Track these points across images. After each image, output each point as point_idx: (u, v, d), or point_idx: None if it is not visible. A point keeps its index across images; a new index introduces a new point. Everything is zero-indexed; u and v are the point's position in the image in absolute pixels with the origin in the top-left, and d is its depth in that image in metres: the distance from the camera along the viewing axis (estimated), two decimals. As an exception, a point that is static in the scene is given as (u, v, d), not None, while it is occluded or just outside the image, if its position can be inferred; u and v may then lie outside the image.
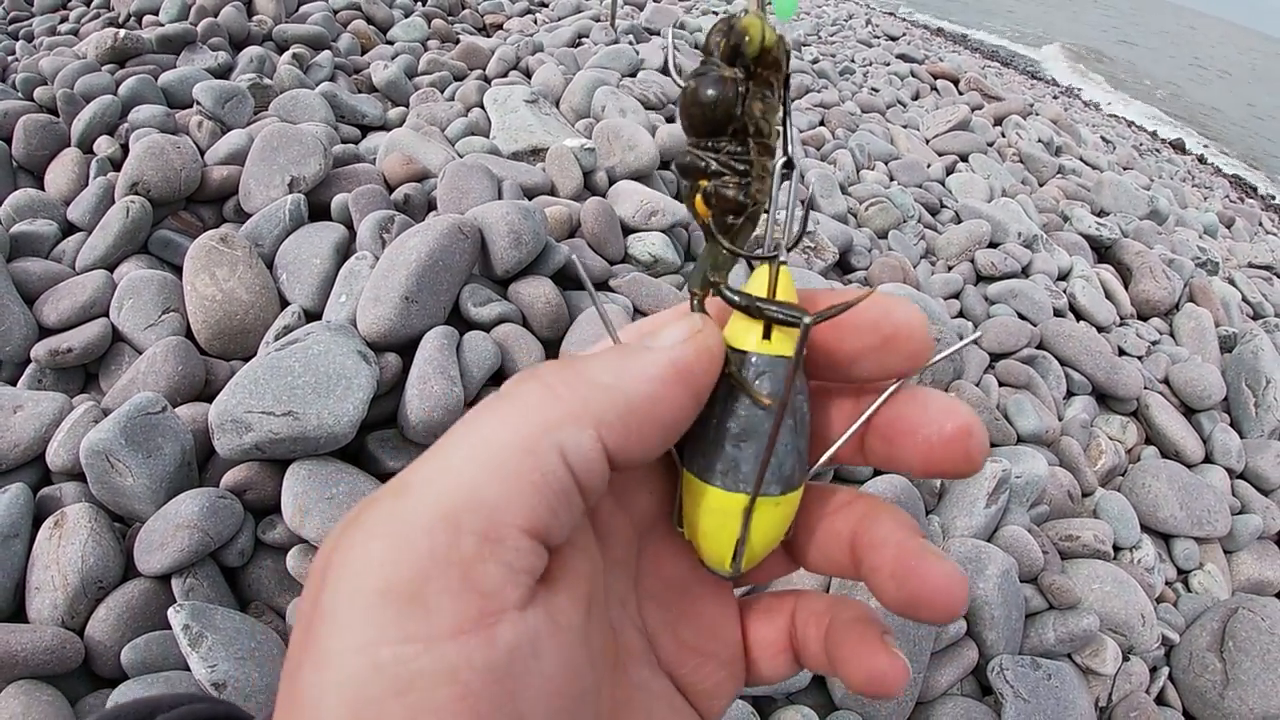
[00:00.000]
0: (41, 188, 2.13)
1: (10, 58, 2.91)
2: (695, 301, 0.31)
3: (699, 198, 0.29)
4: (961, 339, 0.35)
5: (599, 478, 0.25)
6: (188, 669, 1.16)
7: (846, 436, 0.30)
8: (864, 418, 0.30)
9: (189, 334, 1.70)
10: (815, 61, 4.69)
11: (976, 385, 2.13)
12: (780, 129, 0.30)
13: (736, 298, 0.30)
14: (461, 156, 2.26)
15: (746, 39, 0.27)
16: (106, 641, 1.22)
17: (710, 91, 0.28)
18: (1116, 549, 1.96)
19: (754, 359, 0.29)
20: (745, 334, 0.30)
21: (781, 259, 0.30)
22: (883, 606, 0.29)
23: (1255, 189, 8.35)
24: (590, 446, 0.25)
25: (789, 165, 0.30)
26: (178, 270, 1.79)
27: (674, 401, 0.27)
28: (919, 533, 0.29)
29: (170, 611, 1.19)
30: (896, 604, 0.28)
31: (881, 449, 0.30)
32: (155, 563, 1.27)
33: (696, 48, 4.14)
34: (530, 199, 2.08)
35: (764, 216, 0.31)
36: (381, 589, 0.21)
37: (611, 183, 2.38)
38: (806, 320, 0.28)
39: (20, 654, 1.14)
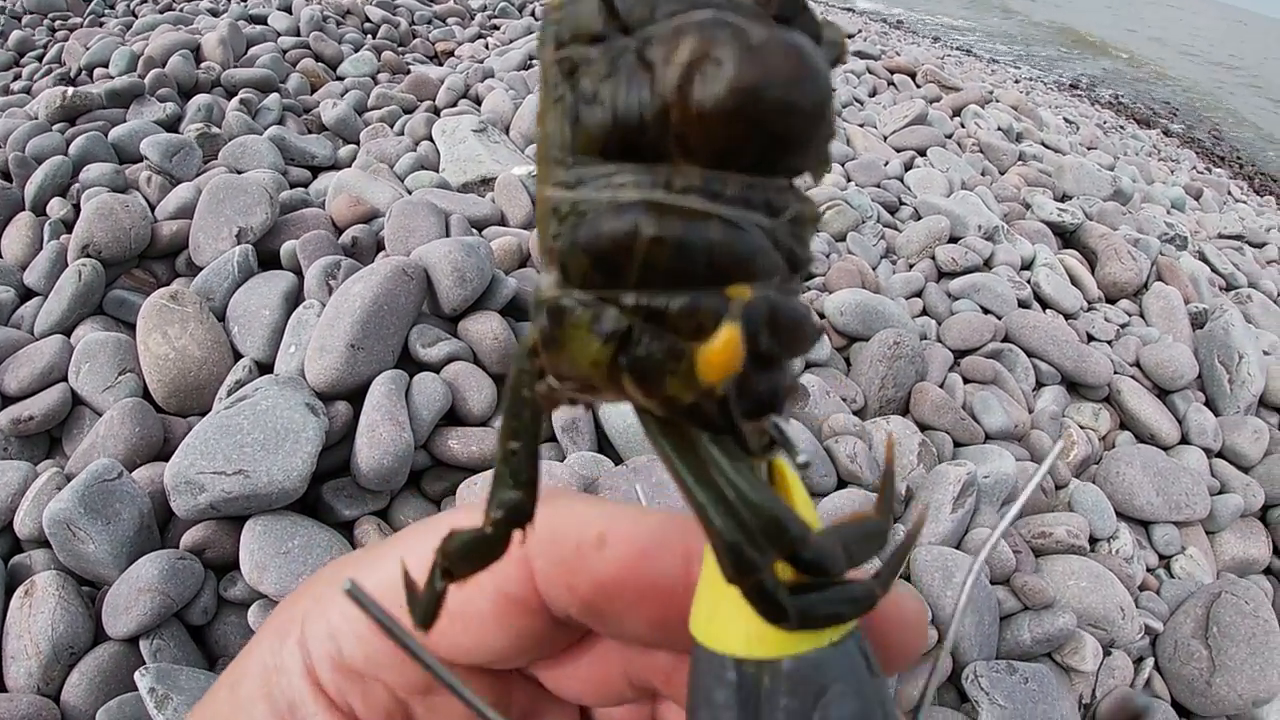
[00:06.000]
0: (-3, 254, 2.11)
1: (-40, 124, 2.90)
2: None
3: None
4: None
5: None
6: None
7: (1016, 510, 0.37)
8: (1031, 484, 0.40)
9: (146, 394, 1.69)
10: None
11: (941, 386, 2.11)
12: None
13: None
14: (410, 193, 2.25)
15: None
16: (81, 706, 1.23)
17: None
18: (1094, 541, 1.94)
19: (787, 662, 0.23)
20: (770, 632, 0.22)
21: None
22: None
23: (1223, 158, 8.38)
24: None
25: None
26: (134, 329, 1.78)
27: None
28: None
29: (136, 675, 1.20)
30: None
31: None
32: (122, 626, 1.28)
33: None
34: (480, 231, 2.07)
35: None
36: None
37: (566, 207, 2.36)
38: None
39: (-1, 722, 1.16)
